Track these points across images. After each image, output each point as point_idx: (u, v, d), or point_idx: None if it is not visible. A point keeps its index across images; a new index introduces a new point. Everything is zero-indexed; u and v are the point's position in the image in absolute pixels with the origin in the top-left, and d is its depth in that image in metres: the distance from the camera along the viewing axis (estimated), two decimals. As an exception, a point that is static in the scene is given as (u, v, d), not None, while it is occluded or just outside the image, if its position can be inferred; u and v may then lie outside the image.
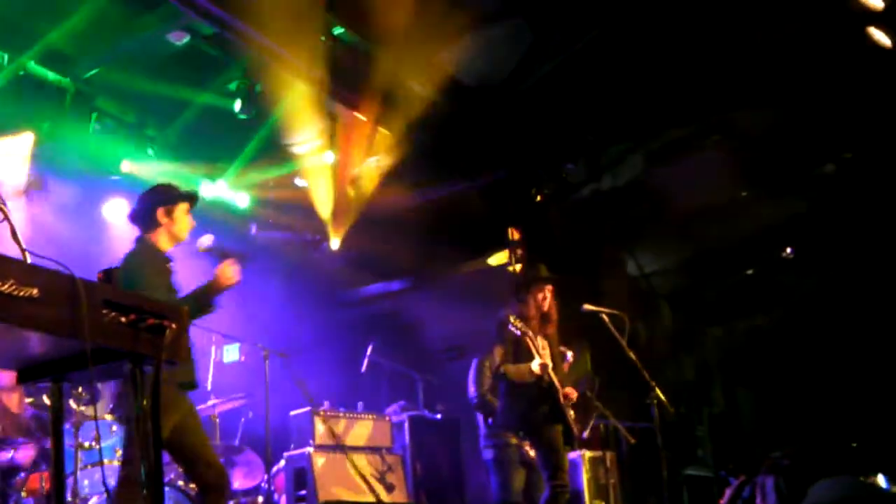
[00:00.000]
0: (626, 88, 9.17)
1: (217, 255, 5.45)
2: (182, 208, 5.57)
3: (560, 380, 7.07)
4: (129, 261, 5.35)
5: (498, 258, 11.54)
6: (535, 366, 6.88)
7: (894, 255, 10.78)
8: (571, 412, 7.07)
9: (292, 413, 8.60)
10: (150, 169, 9.42)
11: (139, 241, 5.52)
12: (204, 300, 5.28)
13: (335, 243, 11.12)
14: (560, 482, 6.78)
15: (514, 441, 8.08)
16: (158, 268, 5.39)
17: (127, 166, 9.31)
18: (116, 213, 9.55)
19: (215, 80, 8.71)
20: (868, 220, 10.64)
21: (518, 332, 6.94)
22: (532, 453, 8.06)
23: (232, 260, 5.34)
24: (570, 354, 7.73)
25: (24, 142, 8.48)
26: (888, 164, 9.79)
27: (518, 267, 10.41)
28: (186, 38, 7.88)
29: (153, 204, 5.52)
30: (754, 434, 12.91)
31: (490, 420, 8.31)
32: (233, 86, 8.84)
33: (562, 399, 6.98)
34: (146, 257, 5.39)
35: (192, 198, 5.69)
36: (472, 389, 8.31)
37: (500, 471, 8.12)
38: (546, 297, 7.29)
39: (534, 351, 6.97)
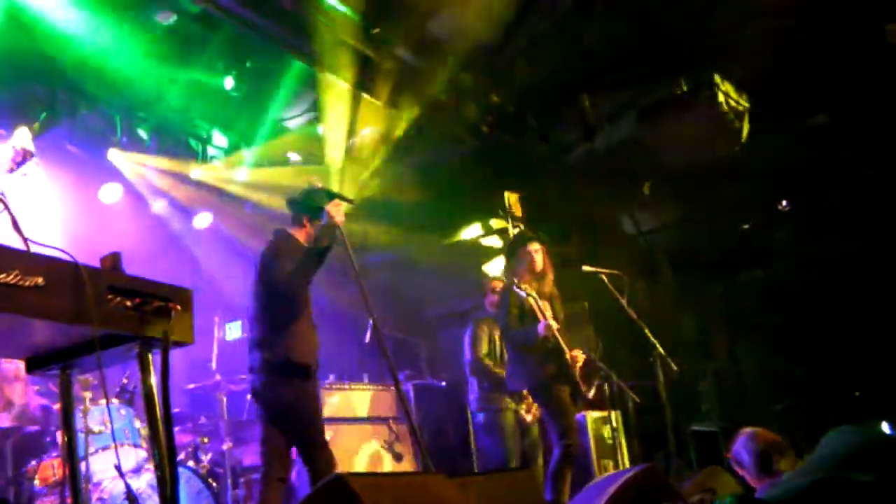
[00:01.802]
0: (615, 45, 9.14)
1: (325, 195, 5.93)
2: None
3: (566, 341, 7.10)
4: (267, 250, 5.99)
5: (494, 224, 11.57)
6: (540, 328, 6.92)
7: (891, 204, 10.78)
8: (577, 372, 7.11)
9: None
10: (141, 152, 9.41)
11: (280, 231, 6.11)
12: (323, 241, 5.69)
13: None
14: (570, 441, 6.82)
15: (510, 405, 8.18)
16: (294, 257, 5.82)
17: (113, 154, 9.28)
18: (112, 197, 9.56)
19: (204, 59, 8.65)
20: (864, 168, 10.63)
21: (524, 294, 6.98)
22: (528, 417, 8.15)
23: (337, 199, 5.84)
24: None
25: (22, 136, 8.47)
26: (881, 113, 9.76)
27: (513, 231, 10.42)
28: (173, 18, 7.83)
29: (302, 209, 6.07)
30: (758, 387, 12.98)
31: (485, 384, 8.39)
32: (221, 63, 8.78)
33: (568, 361, 7.01)
34: (282, 248, 5.93)
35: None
36: (467, 353, 8.42)
37: (495, 435, 8.21)
38: (536, 259, 7.32)
39: (539, 313, 7.01)
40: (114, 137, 9.24)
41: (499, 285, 8.09)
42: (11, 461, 6.68)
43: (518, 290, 7.00)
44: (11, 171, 3.71)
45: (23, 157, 4.14)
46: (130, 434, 7.14)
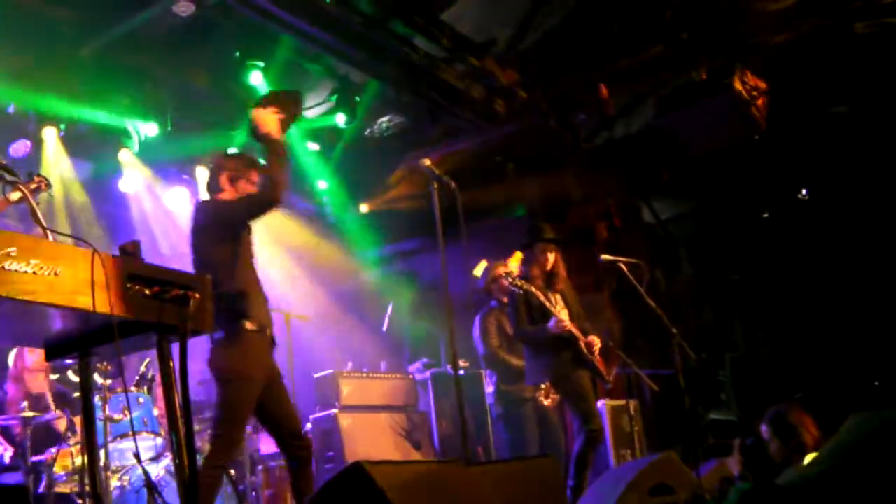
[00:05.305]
0: (633, 33, 9.11)
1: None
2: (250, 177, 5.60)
3: (580, 328, 7.05)
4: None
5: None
6: (551, 325, 6.87)
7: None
8: (598, 358, 7.06)
9: (316, 375, 8.64)
10: (158, 143, 9.41)
11: (202, 203, 5.62)
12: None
13: (364, 207, 11.24)
14: (593, 426, 6.76)
15: (528, 395, 8.04)
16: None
17: (125, 154, 9.33)
18: (131, 187, 9.60)
19: (223, 50, 8.63)
20: (886, 157, 10.55)
21: (521, 291, 6.92)
22: (547, 402, 8.04)
23: (274, 107, 5.30)
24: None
25: (49, 135, 8.65)
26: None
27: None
28: (193, 9, 7.76)
29: (219, 170, 5.58)
30: (777, 376, 12.92)
31: (503, 376, 8.24)
32: (239, 54, 8.74)
33: (583, 347, 6.97)
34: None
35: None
36: (480, 347, 8.26)
37: (513, 427, 8.04)
38: (549, 260, 7.25)
39: (548, 306, 6.97)
40: (136, 129, 9.26)
41: (503, 271, 7.84)
42: (31, 449, 6.72)
43: (514, 288, 6.94)
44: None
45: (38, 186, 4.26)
46: (149, 422, 7.18)
